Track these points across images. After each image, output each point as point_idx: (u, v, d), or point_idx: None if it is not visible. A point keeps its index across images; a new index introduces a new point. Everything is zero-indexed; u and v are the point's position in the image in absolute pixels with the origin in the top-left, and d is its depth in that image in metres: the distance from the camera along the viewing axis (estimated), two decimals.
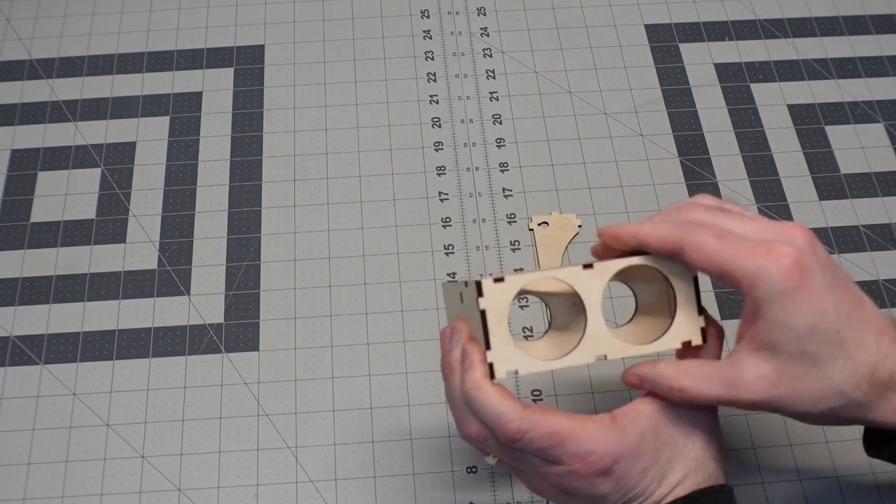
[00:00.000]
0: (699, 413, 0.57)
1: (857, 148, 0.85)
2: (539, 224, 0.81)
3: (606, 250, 0.59)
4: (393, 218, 0.81)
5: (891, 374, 0.54)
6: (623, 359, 0.61)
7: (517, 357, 0.56)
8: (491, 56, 0.90)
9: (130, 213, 0.81)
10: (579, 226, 0.80)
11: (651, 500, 0.56)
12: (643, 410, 0.56)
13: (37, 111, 0.87)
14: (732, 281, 0.54)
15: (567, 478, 0.55)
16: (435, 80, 0.89)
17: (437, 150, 0.85)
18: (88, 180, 0.83)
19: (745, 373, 0.54)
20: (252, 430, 0.71)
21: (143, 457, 0.70)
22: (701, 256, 0.54)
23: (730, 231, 0.55)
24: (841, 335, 0.53)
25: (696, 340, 0.58)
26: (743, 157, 0.84)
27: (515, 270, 0.69)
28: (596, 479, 0.55)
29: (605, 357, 0.57)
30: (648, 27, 0.93)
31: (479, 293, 0.55)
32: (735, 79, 0.89)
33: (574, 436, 0.54)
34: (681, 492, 0.56)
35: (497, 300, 0.56)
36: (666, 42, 0.91)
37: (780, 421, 0.71)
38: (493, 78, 0.89)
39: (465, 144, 0.85)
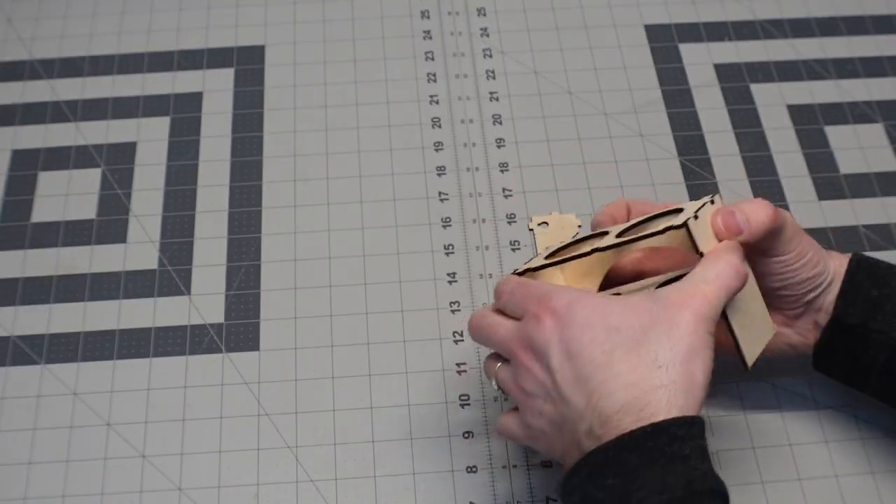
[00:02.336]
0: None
1: (856, 148, 0.85)
2: (539, 224, 0.81)
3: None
4: (393, 218, 0.81)
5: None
6: None
7: None
8: (491, 56, 0.91)
9: (131, 214, 0.81)
10: (579, 226, 0.80)
11: (650, 410, 0.54)
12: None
13: (38, 111, 0.87)
14: None
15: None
16: (435, 81, 0.89)
17: (437, 150, 0.85)
18: (89, 180, 0.83)
19: None
20: (252, 429, 0.72)
21: (143, 456, 0.70)
22: None
23: None
24: None
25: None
26: (742, 157, 0.84)
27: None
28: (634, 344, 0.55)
29: None
30: (648, 27, 0.93)
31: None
32: (734, 79, 0.89)
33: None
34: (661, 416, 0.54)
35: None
36: (665, 42, 0.92)
37: (780, 421, 0.72)
38: (493, 78, 0.89)
39: (465, 144, 0.85)
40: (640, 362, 0.55)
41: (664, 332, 0.55)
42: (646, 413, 0.54)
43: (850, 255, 0.66)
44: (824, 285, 0.65)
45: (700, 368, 0.55)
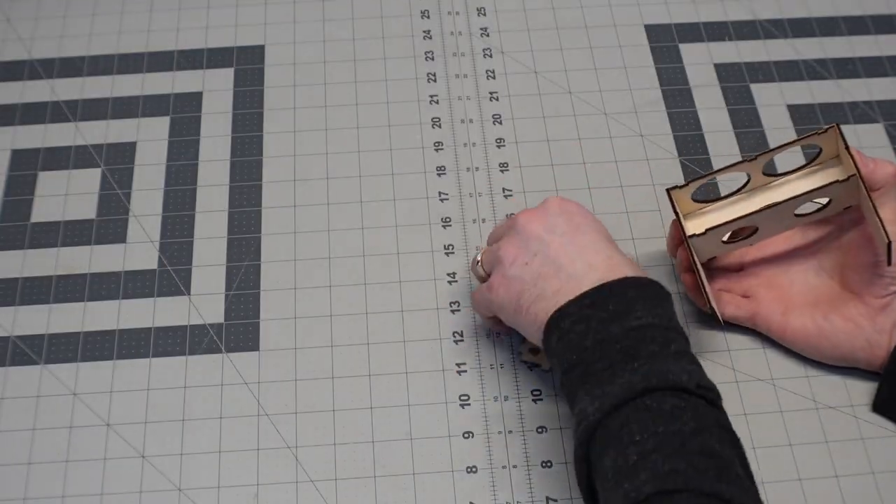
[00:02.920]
0: None
1: (856, 148, 0.85)
2: None
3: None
4: (393, 218, 0.81)
5: None
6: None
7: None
8: (491, 56, 0.90)
9: (131, 214, 0.81)
10: None
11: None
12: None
13: (37, 111, 0.87)
14: None
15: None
16: (435, 81, 0.89)
17: (437, 150, 0.85)
18: (89, 180, 0.83)
19: None
20: (252, 430, 0.72)
21: (143, 457, 0.70)
22: None
23: None
24: None
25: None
26: (743, 157, 0.84)
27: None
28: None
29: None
30: (648, 27, 0.93)
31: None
32: (735, 79, 0.89)
33: None
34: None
35: None
36: (666, 42, 0.92)
37: (780, 420, 0.72)
38: (493, 78, 0.89)
39: (465, 144, 0.85)
40: (622, 252, 0.67)
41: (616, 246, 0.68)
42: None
43: None
44: None
45: None
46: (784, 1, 0.94)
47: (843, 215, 0.72)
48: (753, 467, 0.69)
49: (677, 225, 0.72)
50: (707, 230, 0.70)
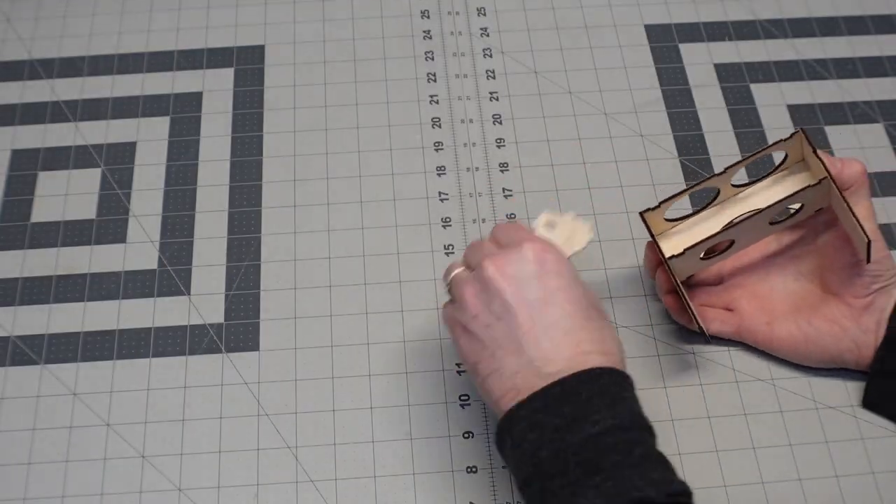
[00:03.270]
0: None
1: (856, 148, 0.85)
2: (545, 224, 0.75)
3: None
4: (393, 218, 0.81)
5: None
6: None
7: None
8: (491, 56, 0.90)
9: (131, 213, 0.81)
10: (584, 246, 0.70)
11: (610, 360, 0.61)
12: None
13: (37, 111, 0.87)
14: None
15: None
16: (435, 81, 0.89)
17: (437, 150, 0.85)
18: (89, 180, 0.83)
19: None
20: (252, 430, 0.72)
21: (143, 457, 0.70)
22: None
23: None
24: None
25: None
26: (742, 157, 0.84)
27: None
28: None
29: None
30: (648, 27, 0.93)
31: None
32: (735, 79, 0.89)
33: None
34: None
35: None
36: (666, 42, 0.92)
37: (780, 421, 0.72)
38: (493, 78, 0.89)
39: (465, 144, 0.85)
40: (596, 328, 0.61)
41: (595, 313, 0.63)
42: (608, 362, 0.61)
43: None
44: (891, 280, 0.69)
45: None
46: (784, 1, 0.94)
47: (815, 218, 0.71)
48: (753, 467, 0.70)
49: (653, 247, 0.72)
50: (685, 250, 0.69)
